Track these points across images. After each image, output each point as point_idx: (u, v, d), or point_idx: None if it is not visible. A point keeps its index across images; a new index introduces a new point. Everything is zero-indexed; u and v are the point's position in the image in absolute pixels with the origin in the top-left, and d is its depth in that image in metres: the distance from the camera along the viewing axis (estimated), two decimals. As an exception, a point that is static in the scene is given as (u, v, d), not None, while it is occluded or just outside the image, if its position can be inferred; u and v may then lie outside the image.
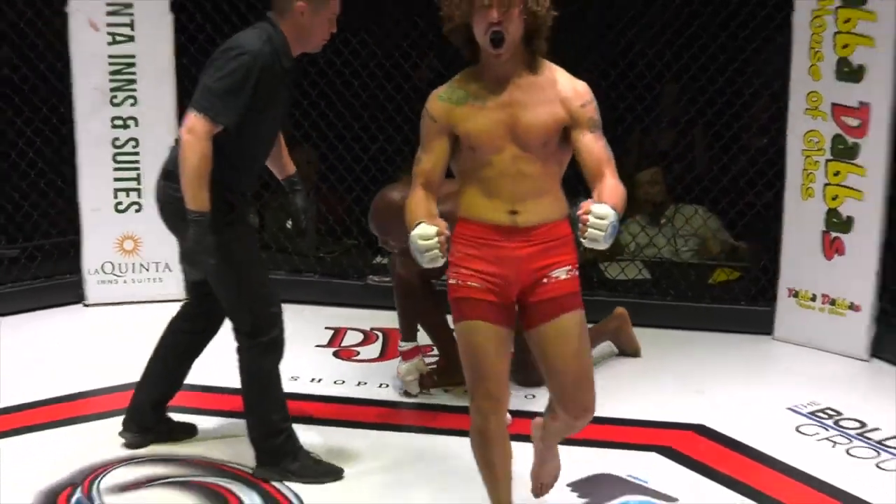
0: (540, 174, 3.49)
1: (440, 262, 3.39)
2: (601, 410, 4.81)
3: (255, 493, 4.65)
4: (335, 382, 5.69)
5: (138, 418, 4.91)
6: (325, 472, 4.76)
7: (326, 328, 6.34)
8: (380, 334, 6.30)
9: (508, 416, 3.81)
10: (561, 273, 3.52)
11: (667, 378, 5.65)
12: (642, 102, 7.08)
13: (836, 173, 5.70)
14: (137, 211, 6.46)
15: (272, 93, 4.40)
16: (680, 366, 5.83)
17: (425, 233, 3.37)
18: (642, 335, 6.07)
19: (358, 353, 6.04)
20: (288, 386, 5.19)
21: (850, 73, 5.61)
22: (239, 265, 4.51)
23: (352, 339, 6.23)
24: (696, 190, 6.83)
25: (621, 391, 5.41)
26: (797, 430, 5.12)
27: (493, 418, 3.60)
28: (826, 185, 5.74)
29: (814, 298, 5.87)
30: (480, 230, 3.53)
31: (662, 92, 7.29)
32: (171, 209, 4.46)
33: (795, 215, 5.88)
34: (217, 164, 4.31)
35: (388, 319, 6.17)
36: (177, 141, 4.43)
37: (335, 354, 6.04)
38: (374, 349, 6.12)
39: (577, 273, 3.59)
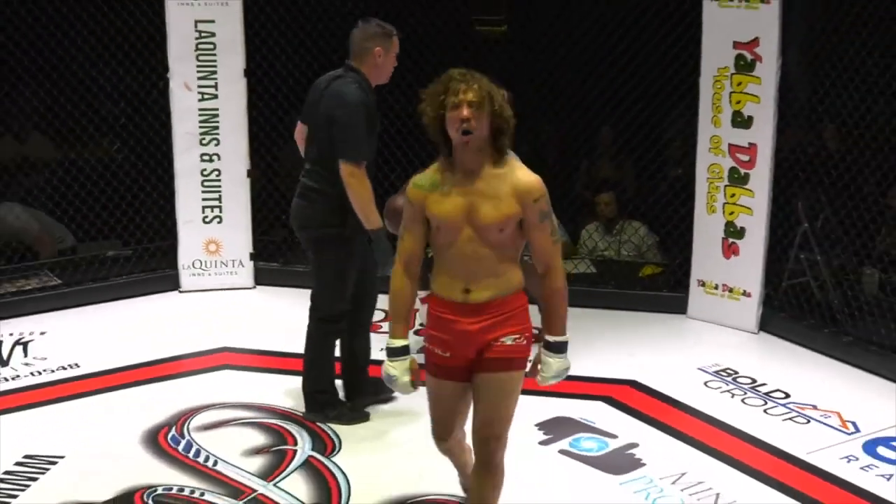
0: (494, 256, 3.25)
1: (412, 391, 3.40)
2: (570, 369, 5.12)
3: (305, 431, 4.75)
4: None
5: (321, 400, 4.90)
6: (357, 416, 4.86)
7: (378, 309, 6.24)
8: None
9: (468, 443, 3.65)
10: (508, 340, 3.30)
11: (607, 346, 5.76)
12: (589, 142, 7.16)
13: (732, 195, 5.84)
14: (219, 222, 6.54)
15: (373, 125, 4.58)
16: (617, 337, 5.92)
17: (399, 378, 3.35)
18: (590, 315, 6.07)
19: (381, 328, 5.78)
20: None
21: (741, 122, 5.74)
22: (343, 270, 4.68)
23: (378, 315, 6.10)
24: (629, 207, 6.89)
25: (573, 355, 5.40)
26: (705, 384, 5.31)
27: (442, 445, 3.58)
28: (725, 203, 5.89)
29: (716, 287, 6.04)
30: (441, 305, 3.33)
31: (601, 134, 7.31)
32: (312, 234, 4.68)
33: (702, 226, 6.04)
34: (343, 191, 4.51)
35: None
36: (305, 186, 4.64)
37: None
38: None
39: (524, 341, 3.35)
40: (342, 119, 4.48)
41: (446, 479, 4.13)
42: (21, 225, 6.78)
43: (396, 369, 3.36)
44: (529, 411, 4.87)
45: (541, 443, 4.71)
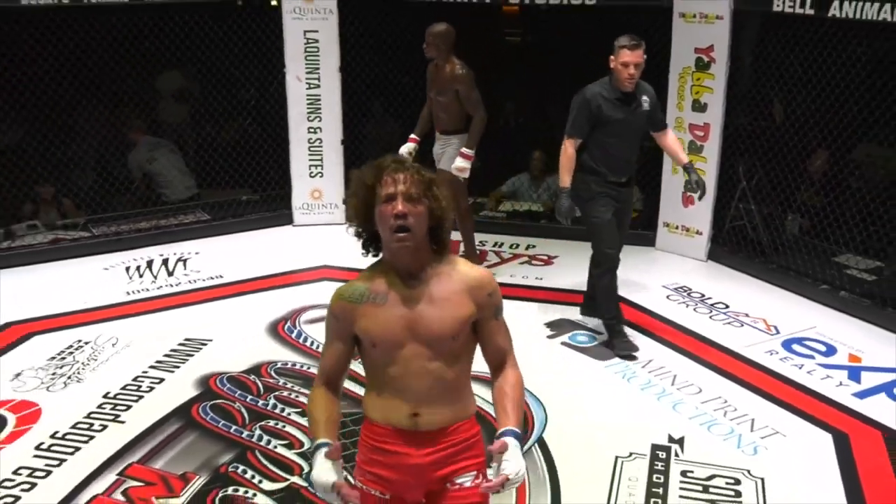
0: (446, 371, 2.10)
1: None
2: (568, 284, 5.25)
3: None
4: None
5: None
6: (631, 347, 4.49)
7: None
8: None
9: None
10: (466, 480, 2.14)
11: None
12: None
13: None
14: (321, 177, 6.48)
15: (592, 116, 4.29)
16: None
17: (325, 483, 1.98)
18: (582, 246, 5.27)
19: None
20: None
21: (699, 107, 5.62)
22: (593, 224, 4.40)
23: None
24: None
25: (568, 277, 5.44)
26: (667, 297, 5.26)
27: None
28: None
29: (677, 227, 5.94)
30: (382, 433, 2.14)
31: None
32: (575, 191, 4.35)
33: (668, 183, 5.94)
34: (584, 161, 4.33)
35: (453, 236, 6.42)
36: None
37: None
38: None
39: (483, 481, 2.12)
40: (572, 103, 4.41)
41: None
42: (159, 169, 6.72)
43: (320, 472, 2.01)
44: (539, 314, 4.98)
45: (548, 337, 4.73)
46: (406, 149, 5.35)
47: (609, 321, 4.53)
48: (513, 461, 1.97)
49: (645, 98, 4.38)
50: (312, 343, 4.59)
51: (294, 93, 6.31)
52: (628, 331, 4.66)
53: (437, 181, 2.09)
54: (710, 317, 4.98)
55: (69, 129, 6.46)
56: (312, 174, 6.50)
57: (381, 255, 2.16)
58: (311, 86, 6.29)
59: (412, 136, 5.45)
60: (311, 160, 6.47)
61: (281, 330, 4.78)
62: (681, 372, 4.31)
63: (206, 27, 6.27)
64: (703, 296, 5.29)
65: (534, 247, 6.13)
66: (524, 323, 4.81)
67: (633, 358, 4.42)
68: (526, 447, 3.66)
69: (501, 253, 6.05)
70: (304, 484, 3.40)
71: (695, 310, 5.07)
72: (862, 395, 4.13)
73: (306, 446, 3.65)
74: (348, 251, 5.35)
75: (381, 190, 2.03)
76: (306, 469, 3.47)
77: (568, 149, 4.34)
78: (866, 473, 3.51)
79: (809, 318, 4.98)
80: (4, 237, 6.04)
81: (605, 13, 5.85)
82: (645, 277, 5.52)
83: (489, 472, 2.08)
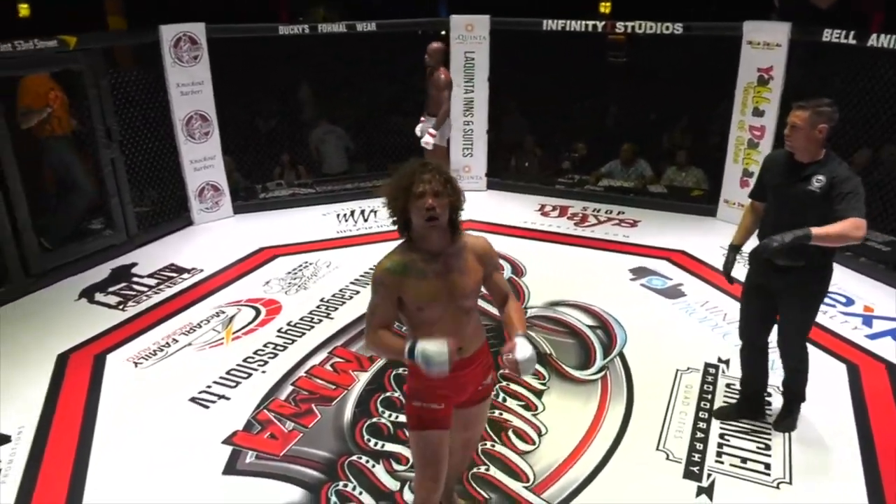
0: (472, 317, 2.14)
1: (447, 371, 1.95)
2: (648, 242, 5.03)
3: (508, 264, 4.67)
4: (540, 225, 5.51)
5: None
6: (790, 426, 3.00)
7: (539, 204, 5.98)
8: (559, 208, 5.86)
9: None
10: (488, 380, 2.25)
11: (671, 231, 5.31)
12: (670, 122, 6.63)
13: (748, 153, 5.28)
14: (470, 156, 6.32)
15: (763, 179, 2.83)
16: (676, 227, 5.44)
17: (439, 347, 1.95)
18: (662, 216, 5.62)
19: (550, 214, 5.77)
20: (523, 224, 5.40)
21: (757, 113, 5.17)
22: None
23: (548, 209, 5.89)
24: (696, 158, 6.25)
25: (647, 237, 5.26)
26: (723, 255, 4.79)
27: (434, 495, 2.22)
28: (743, 158, 5.33)
29: (734, 203, 5.48)
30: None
31: (680, 119, 6.73)
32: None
33: (729, 169, 5.47)
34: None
35: (563, 202, 6.03)
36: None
37: (541, 214, 5.76)
38: (556, 213, 5.79)
39: (493, 376, 2.27)
40: None
41: (575, 292, 4.07)
42: (326, 149, 6.68)
43: (429, 345, 1.97)
44: (625, 262, 4.79)
45: (630, 279, 4.55)
46: (421, 127, 5.37)
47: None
48: (521, 350, 2.02)
49: (820, 177, 2.61)
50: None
51: (455, 97, 6.13)
52: (685, 278, 4.44)
53: (453, 179, 2.05)
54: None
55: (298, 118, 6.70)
56: (465, 153, 6.43)
57: (403, 240, 2.10)
58: (467, 91, 6.21)
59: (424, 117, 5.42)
60: (464, 144, 6.40)
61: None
62: (730, 311, 4.06)
63: (399, 50, 6.20)
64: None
65: (623, 213, 5.91)
66: (613, 269, 4.69)
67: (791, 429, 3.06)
68: (610, 357, 3.61)
69: (598, 216, 5.85)
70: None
71: (744, 265, 4.71)
72: (872, 336, 3.83)
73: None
74: (484, 211, 5.27)
75: (415, 188, 2.00)
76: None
77: (749, 206, 2.99)
78: (871, 397, 3.30)
79: (835, 277, 4.50)
80: (262, 190, 6.42)
81: (693, 40, 5.45)
82: (708, 239, 5.20)
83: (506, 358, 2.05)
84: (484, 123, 6.36)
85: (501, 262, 4.76)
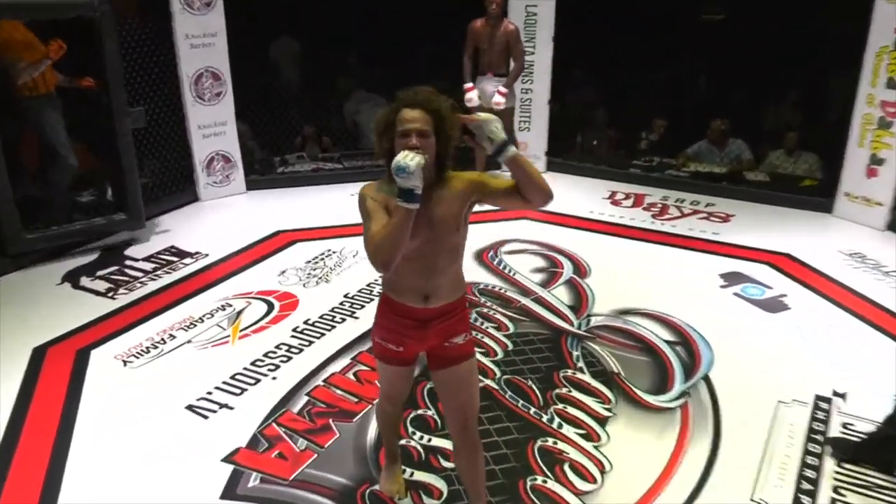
0: (449, 261, 2.26)
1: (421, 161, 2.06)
2: (744, 241, 4.95)
3: (569, 261, 4.66)
4: (609, 216, 5.49)
5: None
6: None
7: (608, 191, 6.01)
8: (633, 196, 5.91)
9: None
10: (459, 339, 2.36)
11: (774, 230, 5.20)
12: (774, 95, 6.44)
13: (878, 136, 5.07)
14: (528, 130, 6.31)
15: None
16: (781, 225, 5.32)
17: (406, 154, 2.08)
18: (765, 209, 5.55)
19: (622, 203, 5.78)
20: (588, 214, 5.41)
21: (892, 85, 4.94)
22: None
23: (619, 196, 5.91)
24: (808, 140, 6.10)
25: (743, 234, 5.13)
26: (841, 261, 4.70)
27: (391, 410, 2.60)
28: (871, 141, 5.12)
29: (857, 198, 5.29)
30: (396, 308, 2.32)
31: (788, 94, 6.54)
32: None
33: (852, 155, 5.28)
34: None
35: (638, 189, 6.04)
36: None
37: (611, 203, 5.79)
38: (629, 202, 5.80)
39: (471, 337, 2.39)
40: None
41: (651, 299, 3.94)
42: (362, 120, 6.71)
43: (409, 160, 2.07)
44: (714, 265, 4.67)
45: (720, 287, 4.40)
46: (475, 94, 5.66)
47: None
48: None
49: None
50: (510, 270, 4.56)
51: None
52: (789, 287, 4.29)
53: (446, 113, 2.15)
54: (884, 283, 4.43)
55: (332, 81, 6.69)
56: (521, 128, 6.35)
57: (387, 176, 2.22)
58: (527, 52, 6.08)
59: (470, 84, 5.70)
60: (521, 117, 6.32)
61: (485, 257, 4.78)
62: (848, 330, 3.88)
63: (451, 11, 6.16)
64: (878, 263, 4.71)
65: (713, 205, 5.77)
66: (698, 273, 4.56)
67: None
68: (692, 381, 3.47)
69: (682, 207, 5.74)
70: (496, 387, 3.40)
71: (868, 274, 4.53)
72: None
73: (499, 355, 3.65)
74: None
75: (399, 126, 2.14)
76: (497, 375, 3.46)
77: None
78: None
79: None
80: (280, 164, 6.44)
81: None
82: (821, 241, 5.02)
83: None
84: (545, 92, 6.31)
85: (561, 258, 4.77)
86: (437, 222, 2.21)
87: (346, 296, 4.28)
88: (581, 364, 3.58)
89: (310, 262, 4.75)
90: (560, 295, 4.26)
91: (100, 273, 4.58)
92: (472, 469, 2.46)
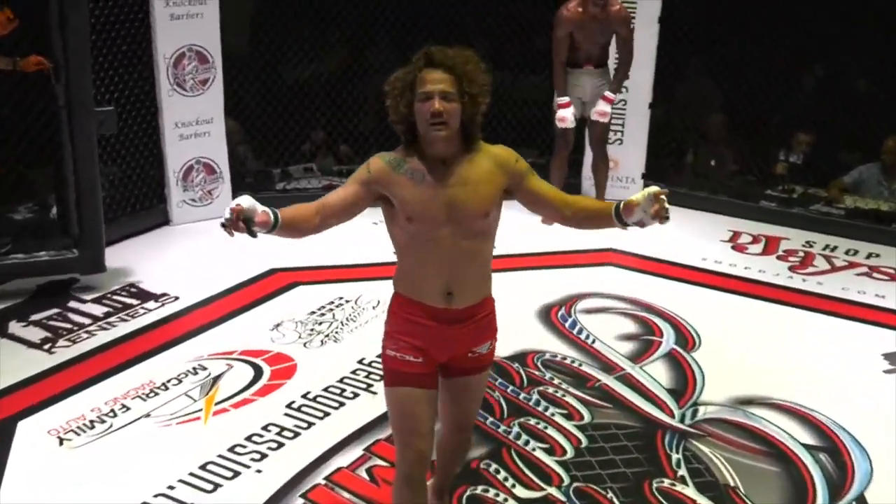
0: (475, 251, 2.56)
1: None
2: None
3: (671, 326, 4.68)
4: (730, 265, 5.55)
5: None
6: None
7: (728, 230, 6.06)
8: (763, 239, 5.94)
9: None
10: (483, 349, 2.68)
11: None
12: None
13: None
14: (619, 144, 6.43)
15: None
16: None
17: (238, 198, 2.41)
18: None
19: (747, 249, 5.82)
20: (699, 263, 5.48)
21: None
22: None
23: (744, 239, 5.94)
24: None
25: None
26: None
27: (417, 468, 2.68)
28: None
29: None
30: (413, 309, 2.59)
31: None
32: None
33: None
34: None
35: (772, 230, 6.08)
36: None
37: (732, 248, 5.84)
38: (758, 247, 5.83)
39: (495, 345, 2.75)
40: None
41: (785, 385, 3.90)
42: None
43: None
44: (878, 341, 4.66)
45: (885, 371, 4.36)
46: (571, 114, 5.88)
47: None
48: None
49: None
50: (588, 337, 4.58)
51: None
52: None
53: (476, 75, 2.46)
54: None
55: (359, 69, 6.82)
56: (610, 140, 6.41)
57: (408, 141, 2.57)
58: (624, 38, 6.20)
59: (566, 99, 5.90)
60: (611, 124, 6.29)
61: (553, 316, 4.80)
62: None
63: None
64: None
65: (877, 256, 5.75)
66: (854, 351, 4.51)
67: None
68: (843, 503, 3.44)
69: (833, 258, 5.73)
70: (563, 498, 3.37)
71: None
72: None
73: (569, 454, 3.63)
74: (639, 234, 5.17)
75: (419, 87, 2.44)
76: (564, 482, 3.45)
77: None
78: None
79: None
80: (281, 177, 6.55)
81: None
82: None
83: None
84: (646, 92, 6.40)
85: (659, 322, 4.78)
86: (458, 206, 2.50)
87: (360, 362, 4.30)
88: (682, 472, 3.55)
89: (314, 312, 4.79)
90: (656, 373, 4.25)
91: (34, 317, 4.67)
92: (454, 461, 2.98)
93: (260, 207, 2.43)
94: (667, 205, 2.48)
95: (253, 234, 2.39)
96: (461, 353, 2.66)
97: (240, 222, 2.38)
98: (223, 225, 2.37)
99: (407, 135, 2.56)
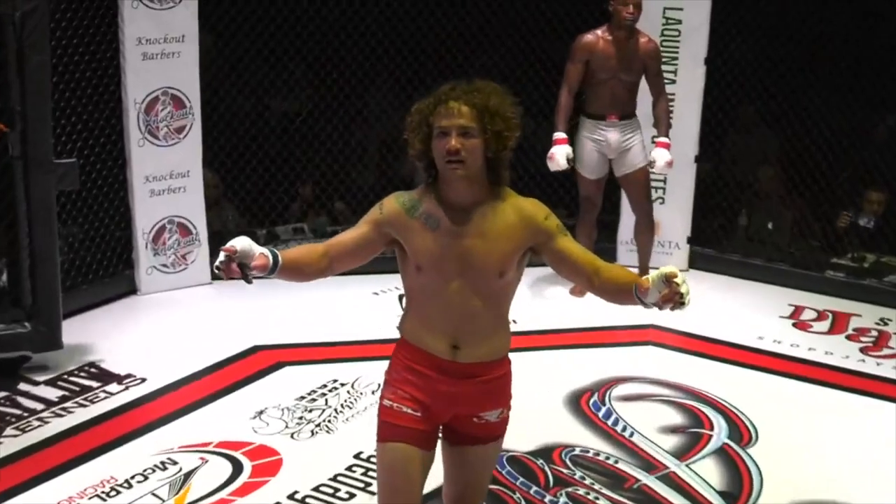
0: (487, 309, 2.63)
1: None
2: None
3: (723, 417, 4.67)
4: (791, 345, 5.56)
5: None
6: None
7: (789, 304, 6.09)
8: (830, 315, 5.97)
9: None
10: (492, 416, 2.73)
11: None
12: None
13: None
14: (661, 203, 6.48)
15: None
16: None
17: (237, 238, 2.50)
18: None
19: (811, 327, 5.83)
20: (755, 342, 5.49)
21: None
22: None
23: (808, 315, 5.97)
24: None
25: None
26: None
27: None
28: None
29: None
30: (417, 357, 2.68)
31: None
32: None
33: None
34: None
35: (840, 305, 6.11)
36: None
37: (794, 325, 5.86)
38: (824, 325, 5.85)
39: (508, 414, 2.79)
40: None
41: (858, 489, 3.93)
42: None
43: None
44: None
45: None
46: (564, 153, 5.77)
47: None
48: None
49: None
50: (626, 429, 4.57)
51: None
52: None
53: (496, 108, 2.53)
54: None
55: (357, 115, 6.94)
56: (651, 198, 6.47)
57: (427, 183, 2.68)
58: (667, 81, 6.22)
59: (563, 135, 5.83)
60: (651, 180, 6.40)
61: (584, 404, 4.80)
62: None
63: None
64: None
65: None
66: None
67: None
68: None
69: None
70: None
71: None
72: None
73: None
74: (687, 309, 5.20)
75: (436, 121, 2.53)
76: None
77: None
78: None
79: None
80: (267, 239, 6.60)
81: None
82: None
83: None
84: (691, 144, 6.48)
85: (708, 412, 4.76)
86: (472, 261, 2.59)
87: (357, 456, 4.28)
88: (736, 592, 3.54)
89: (303, 398, 4.80)
90: (706, 473, 4.23)
91: (-21, 401, 4.71)
92: None
93: (258, 249, 2.52)
94: (682, 289, 2.45)
95: (248, 280, 2.49)
96: (466, 416, 2.73)
97: (233, 265, 2.46)
98: (217, 268, 2.47)
99: (428, 171, 2.66)
